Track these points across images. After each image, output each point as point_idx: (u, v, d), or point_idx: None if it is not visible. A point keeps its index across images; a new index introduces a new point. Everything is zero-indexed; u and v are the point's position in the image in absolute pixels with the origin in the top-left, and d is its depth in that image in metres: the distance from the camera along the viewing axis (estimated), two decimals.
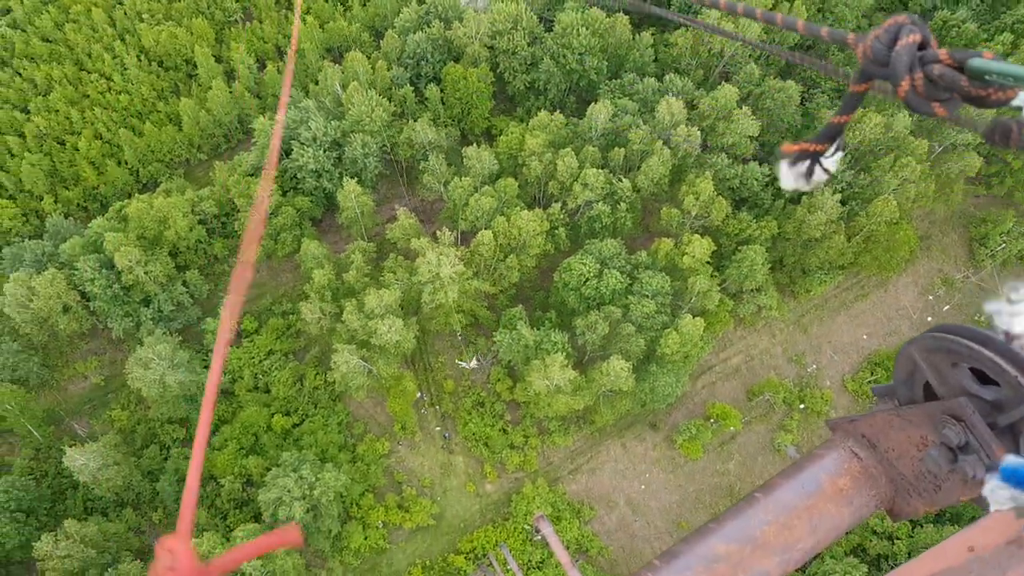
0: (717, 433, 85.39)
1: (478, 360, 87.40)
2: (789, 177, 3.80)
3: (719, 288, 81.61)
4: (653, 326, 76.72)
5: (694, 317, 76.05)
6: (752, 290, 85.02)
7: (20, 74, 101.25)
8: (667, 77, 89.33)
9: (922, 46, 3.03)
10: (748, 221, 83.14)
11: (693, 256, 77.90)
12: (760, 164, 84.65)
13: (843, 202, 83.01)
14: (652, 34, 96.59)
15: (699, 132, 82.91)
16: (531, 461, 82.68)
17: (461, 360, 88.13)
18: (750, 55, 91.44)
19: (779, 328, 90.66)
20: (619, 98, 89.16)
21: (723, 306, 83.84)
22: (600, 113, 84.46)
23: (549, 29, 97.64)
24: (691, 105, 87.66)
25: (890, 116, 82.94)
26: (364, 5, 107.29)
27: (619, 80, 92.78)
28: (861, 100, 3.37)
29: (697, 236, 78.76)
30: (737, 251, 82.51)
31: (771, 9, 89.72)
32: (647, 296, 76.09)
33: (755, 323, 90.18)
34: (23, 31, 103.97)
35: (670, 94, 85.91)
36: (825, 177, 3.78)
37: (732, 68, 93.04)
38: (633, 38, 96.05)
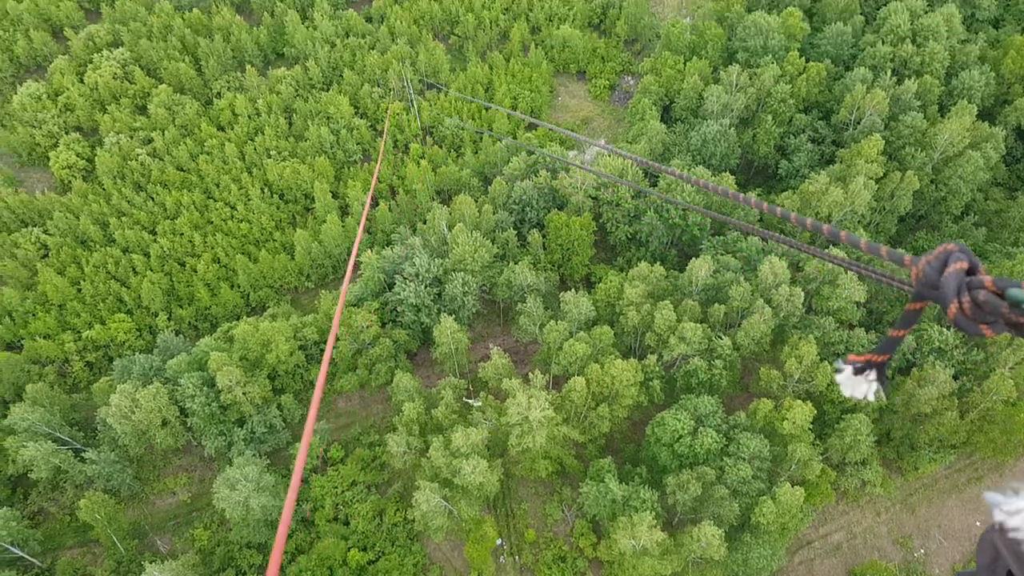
0: None
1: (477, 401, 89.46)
2: (849, 385, 4.44)
3: (821, 457, 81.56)
4: (749, 492, 76.93)
5: (793, 486, 76.03)
6: (856, 462, 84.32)
7: (153, 198, 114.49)
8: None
9: (971, 271, 3.34)
10: None
11: (794, 422, 78.74)
12: (867, 331, 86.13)
13: (956, 377, 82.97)
14: (758, 195, 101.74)
15: (803, 293, 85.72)
16: None
17: (469, 400, 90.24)
18: (859, 221, 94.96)
19: (884, 506, 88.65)
20: (721, 254, 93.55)
21: (824, 477, 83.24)
22: (701, 268, 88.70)
23: (654, 184, 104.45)
24: (796, 267, 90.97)
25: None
26: (476, 153, 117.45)
27: (722, 237, 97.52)
28: (918, 317, 3.86)
29: (799, 401, 79.83)
30: (841, 420, 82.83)
31: (882, 178, 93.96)
32: (743, 459, 76.86)
33: (858, 498, 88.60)
34: (161, 160, 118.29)
35: (774, 254, 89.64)
36: (881, 391, 4.40)
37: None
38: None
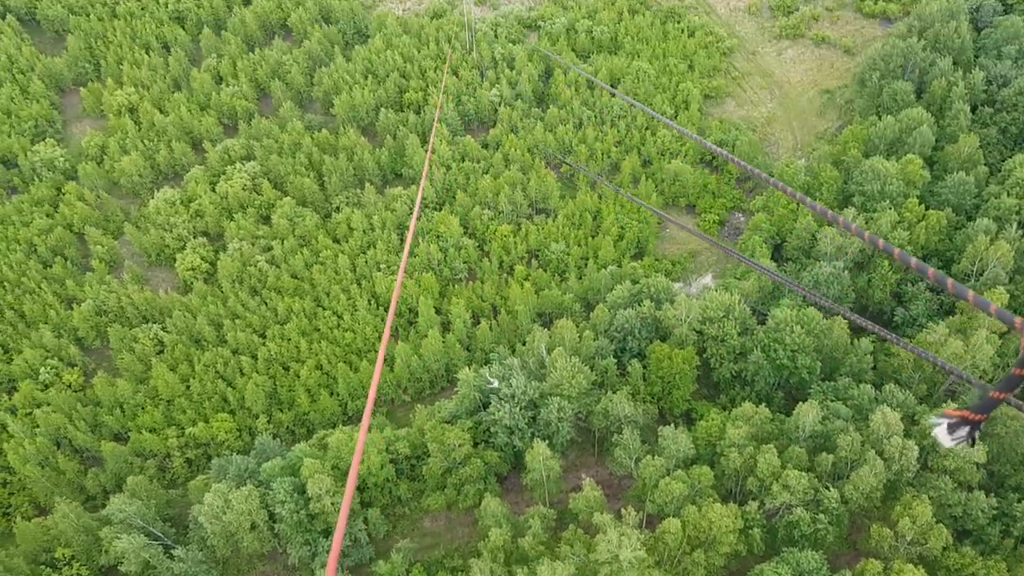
0: None
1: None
2: (946, 439, 4.59)
3: None
4: None
5: None
6: None
7: (266, 303, 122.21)
8: (886, 387, 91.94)
9: None
10: (972, 557, 79.67)
11: None
12: (987, 495, 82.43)
13: None
14: (872, 340, 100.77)
15: (917, 448, 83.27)
16: None
17: (489, 380, 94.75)
18: (980, 377, 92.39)
19: None
20: (831, 401, 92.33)
21: None
22: (809, 414, 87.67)
23: (762, 322, 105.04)
24: (911, 420, 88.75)
25: None
26: (580, 279, 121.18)
27: (832, 383, 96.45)
28: (1021, 382, 3.91)
29: (911, 565, 76.43)
30: None
31: (1006, 333, 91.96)
32: None
33: None
34: (277, 267, 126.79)
35: (888, 405, 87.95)
36: (974, 446, 5.56)
37: (960, 387, 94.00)
38: (851, 342, 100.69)
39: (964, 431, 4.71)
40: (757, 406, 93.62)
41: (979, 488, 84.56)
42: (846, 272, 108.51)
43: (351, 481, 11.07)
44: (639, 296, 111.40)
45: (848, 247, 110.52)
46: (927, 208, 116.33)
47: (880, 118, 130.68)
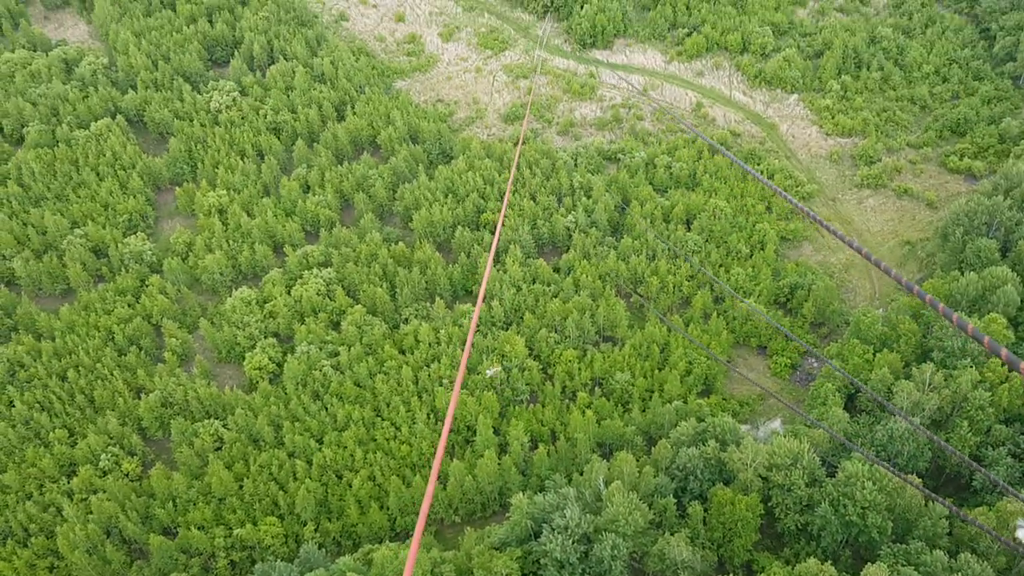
0: None
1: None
2: None
3: None
4: None
5: None
6: None
7: (327, 408, 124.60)
8: (961, 556, 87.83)
9: None
10: None
11: None
12: None
13: None
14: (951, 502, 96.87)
15: None
16: None
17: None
18: None
19: None
20: (902, 565, 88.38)
21: None
22: None
23: (831, 474, 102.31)
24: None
25: None
26: (643, 412, 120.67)
27: (904, 546, 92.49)
28: None
29: None
30: None
31: None
32: None
33: None
34: (342, 373, 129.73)
35: (963, 574, 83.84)
36: None
37: None
38: (925, 504, 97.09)
39: None
40: (823, 563, 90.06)
41: None
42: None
43: None
44: (704, 435, 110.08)
45: (926, 403, 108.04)
46: (1010, 370, 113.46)
47: (962, 274, 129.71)
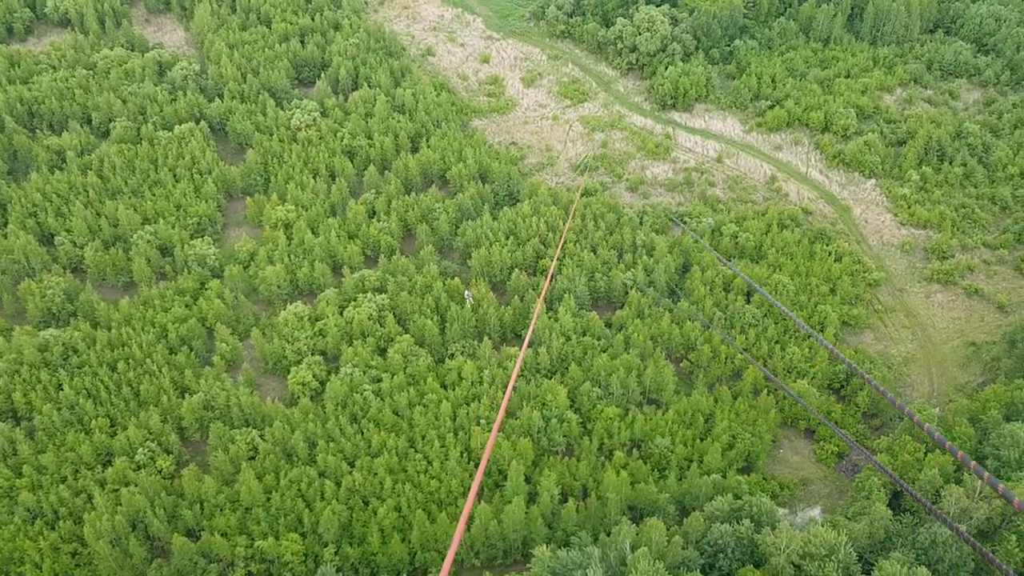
0: None
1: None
2: None
3: None
4: None
5: None
6: None
7: (363, 433, 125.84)
8: None
9: None
10: None
11: None
12: None
13: None
14: None
15: None
16: None
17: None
18: None
19: None
20: None
21: None
22: None
23: (867, 572, 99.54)
24: None
25: None
26: (680, 480, 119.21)
27: None
28: None
29: None
30: None
31: None
32: None
33: None
34: (382, 400, 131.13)
35: None
36: None
37: None
38: None
39: None
40: None
41: None
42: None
43: None
44: (739, 513, 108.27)
45: (974, 512, 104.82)
46: None
47: None
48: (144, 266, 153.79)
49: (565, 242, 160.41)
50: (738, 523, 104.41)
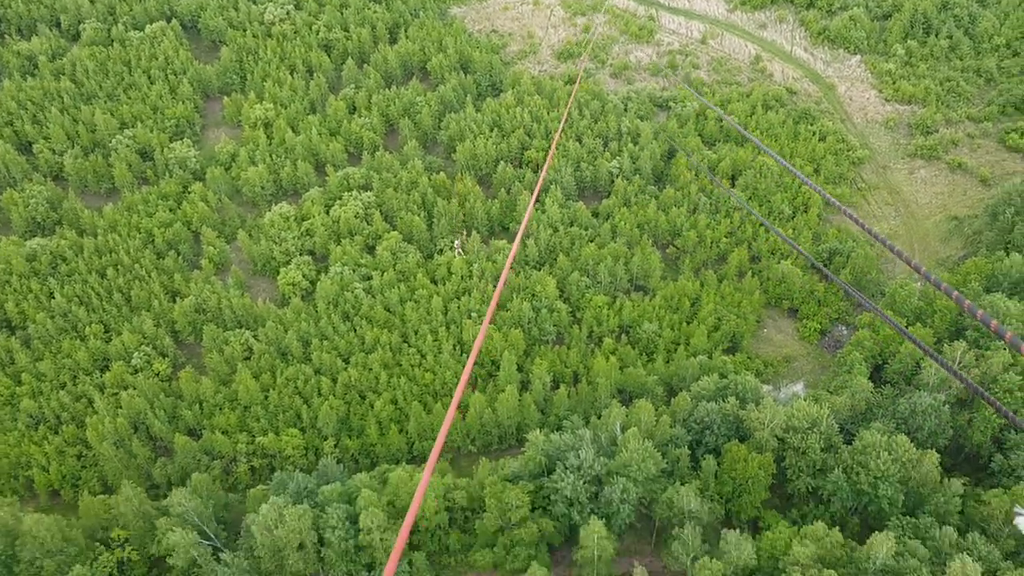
0: None
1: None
2: None
3: None
4: None
5: None
6: None
7: (356, 330, 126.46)
8: (971, 535, 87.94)
9: None
10: None
11: None
12: None
13: None
14: (964, 484, 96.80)
15: None
16: None
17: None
18: None
19: None
20: (909, 538, 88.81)
21: None
22: (883, 546, 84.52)
23: (848, 442, 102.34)
24: (992, 574, 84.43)
25: None
26: (667, 363, 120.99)
27: (913, 520, 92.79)
28: None
29: None
30: None
31: None
32: None
33: None
34: (373, 297, 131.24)
35: (969, 554, 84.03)
36: None
37: None
38: (941, 481, 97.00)
39: None
40: (830, 528, 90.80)
41: None
42: (946, 407, 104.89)
43: (407, 525, 11.79)
44: (725, 391, 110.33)
45: (953, 381, 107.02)
46: None
47: (1008, 255, 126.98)
48: (125, 171, 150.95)
49: (560, 132, 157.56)
50: (724, 401, 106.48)
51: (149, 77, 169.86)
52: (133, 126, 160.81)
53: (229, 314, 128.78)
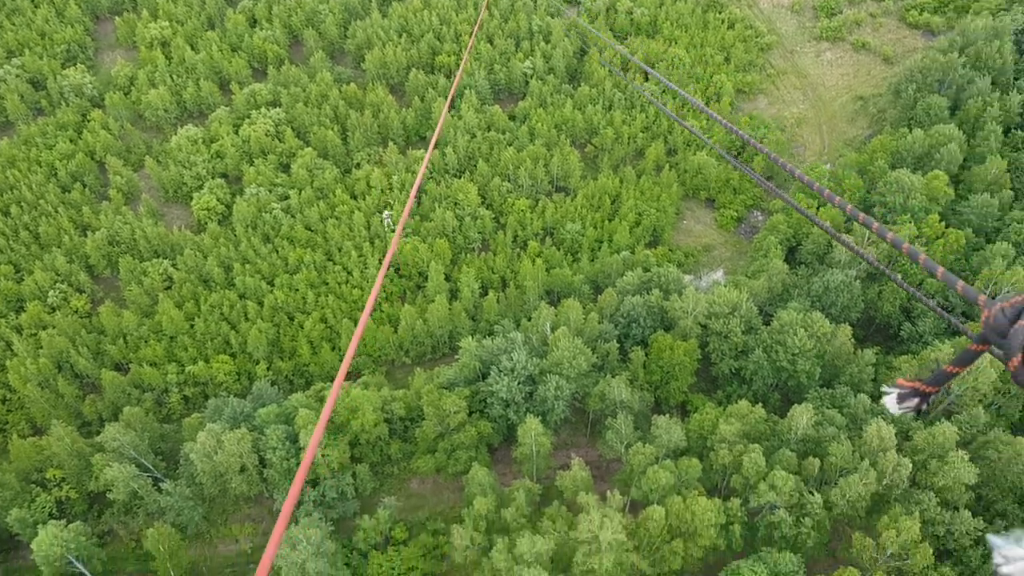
0: None
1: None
2: (895, 407, 4.61)
3: None
4: None
5: None
6: None
7: (278, 252, 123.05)
8: (884, 400, 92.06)
9: None
10: None
11: None
12: (973, 516, 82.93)
13: None
14: (876, 353, 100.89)
15: (911, 465, 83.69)
16: None
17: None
18: (979, 400, 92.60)
19: None
20: (827, 408, 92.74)
21: None
22: (802, 417, 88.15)
23: (767, 322, 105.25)
24: (905, 436, 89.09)
25: None
26: (592, 261, 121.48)
27: (830, 390, 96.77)
28: (977, 357, 3.94)
29: None
30: None
31: None
32: None
33: None
34: (292, 216, 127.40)
35: (883, 418, 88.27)
36: (919, 418, 5.86)
37: (956, 407, 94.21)
38: (854, 352, 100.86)
39: (914, 401, 4.85)
40: (753, 405, 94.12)
41: (966, 509, 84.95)
42: (857, 282, 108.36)
43: (316, 434, 11.17)
44: (649, 284, 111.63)
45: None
46: (947, 226, 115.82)
47: (911, 131, 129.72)
48: (18, 103, 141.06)
49: (474, 37, 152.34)
50: (648, 294, 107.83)
51: (33, 1, 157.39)
52: (21, 54, 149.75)
53: (144, 244, 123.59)
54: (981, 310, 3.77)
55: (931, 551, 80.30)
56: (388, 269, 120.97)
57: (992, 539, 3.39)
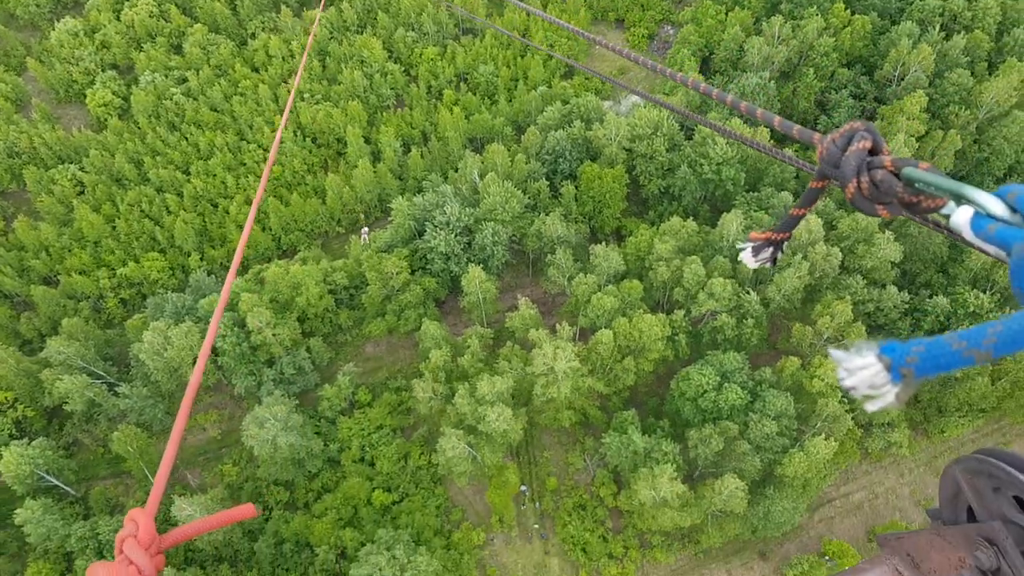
0: (831, 572, 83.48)
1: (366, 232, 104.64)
2: (751, 260, 4.68)
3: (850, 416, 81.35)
4: (772, 447, 77.32)
5: (826, 439, 76.03)
6: (883, 424, 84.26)
7: (187, 138, 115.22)
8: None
9: (874, 151, 3.36)
10: None
11: (823, 379, 78.63)
12: (900, 291, 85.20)
13: None
14: (795, 151, 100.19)
15: (840, 253, 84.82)
16: (629, 574, 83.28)
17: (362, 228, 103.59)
18: None
19: (908, 467, 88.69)
20: (755, 210, 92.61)
21: (851, 435, 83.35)
22: (732, 223, 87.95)
23: (689, 137, 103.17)
24: (831, 225, 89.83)
25: None
26: (510, 102, 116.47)
27: (756, 193, 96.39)
28: (820, 195, 4.01)
29: (828, 359, 79.52)
30: None
31: (923, 136, 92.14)
32: (769, 416, 77.08)
33: (882, 459, 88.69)
34: (195, 100, 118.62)
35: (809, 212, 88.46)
36: (775, 264, 5.16)
37: None
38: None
39: (768, 252, 4.66)
40: (684, 220, 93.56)
41: (892, 284, 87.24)
42: (772, 83, 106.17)
43: (213, 325, 9.13)
44: (569, 117, 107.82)
45: (775, 57, 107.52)
46: (853, 13, 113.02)
47: None
48: None
49: None
50: (570, 126, 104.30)
51: None
52: None
53: (46, 151, 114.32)
54: (816, 147, 3.54)
55: (864, 328, 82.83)
56: (304, 139, 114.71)
57: (833, 353, 3.23)
